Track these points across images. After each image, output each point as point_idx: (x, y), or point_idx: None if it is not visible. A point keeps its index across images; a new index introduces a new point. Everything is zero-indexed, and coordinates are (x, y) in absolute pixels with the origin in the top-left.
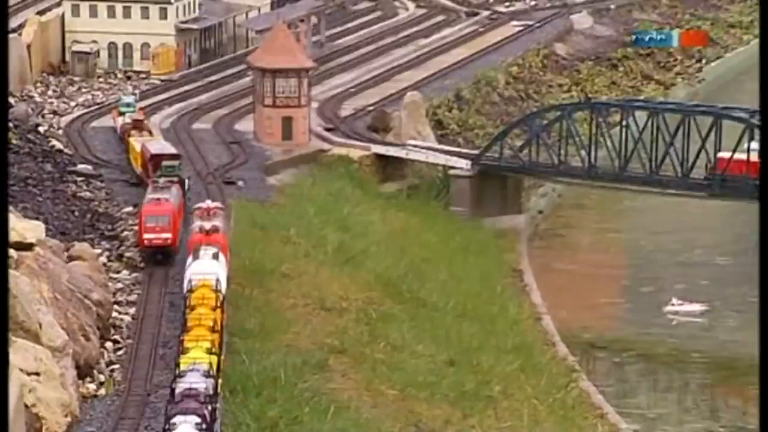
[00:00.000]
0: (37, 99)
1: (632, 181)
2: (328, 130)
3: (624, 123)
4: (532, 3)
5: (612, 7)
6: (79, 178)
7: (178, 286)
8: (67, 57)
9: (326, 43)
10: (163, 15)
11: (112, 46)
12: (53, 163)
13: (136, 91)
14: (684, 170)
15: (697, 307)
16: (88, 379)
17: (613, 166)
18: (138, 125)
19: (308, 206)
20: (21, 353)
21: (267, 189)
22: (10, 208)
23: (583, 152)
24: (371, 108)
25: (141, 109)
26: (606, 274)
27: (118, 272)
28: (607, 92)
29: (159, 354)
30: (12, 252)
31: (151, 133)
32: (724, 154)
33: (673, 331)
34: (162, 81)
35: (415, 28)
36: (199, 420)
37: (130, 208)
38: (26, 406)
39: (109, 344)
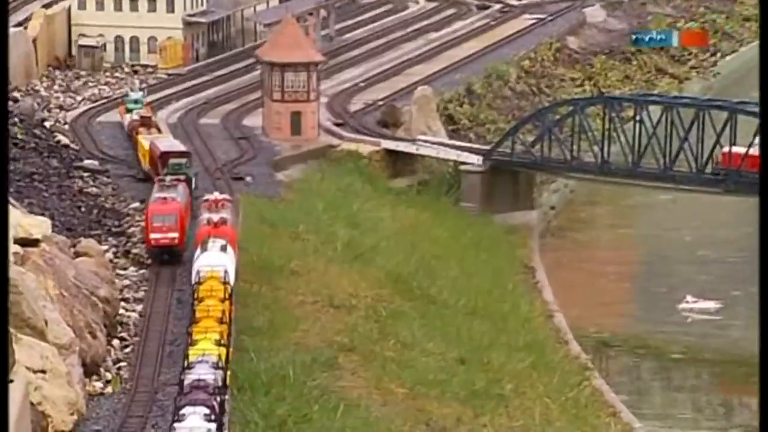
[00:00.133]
0: (43, 93)
1: (646, 176)
2: (337, 125)
3: (637, 118)
4: None
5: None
6: (86, 174)
7: (186, 282)
8: (74, 51)
9: (335, 37)
10: (171, 8)
11: (118, 40)
12: (59, 159)
13: (143, 86)
14: (698, 166)
15: (711, 305)
16: (94, 376)
17: (626, 161)
18: (146, 122)
19: (317, 202)
20: (27, 351)
21: (275, 185)
22: (16, 203)
23: (595, 147)
24: (381, 103)
25: (148, 103)
26: (619, 270)
27: (125, 269)
28: (621, 86)
29: (166, 351)
30: (18, 248)
31: (159, 130)
32: (737, 149)
33: (687, 329)
34: (169, 75)
35: (425, 22)
36: (208, 411)
37: (137, 204)
38: (32, 404)
39: (115, 342)
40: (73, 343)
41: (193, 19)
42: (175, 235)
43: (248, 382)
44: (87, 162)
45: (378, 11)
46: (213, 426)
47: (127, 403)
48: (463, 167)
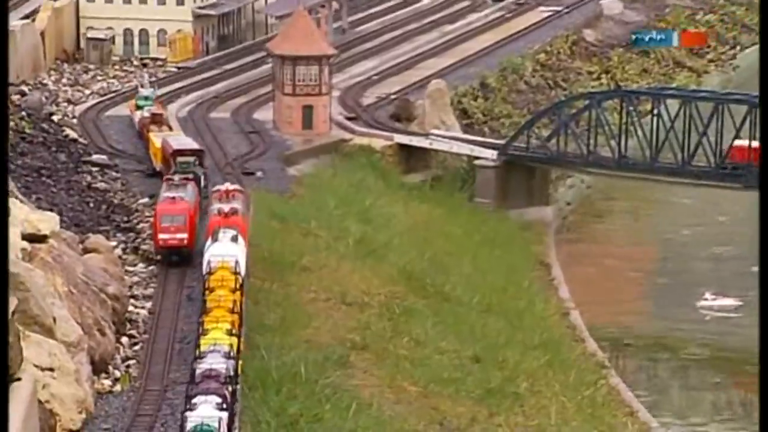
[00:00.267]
0: (51, 87)
1: (663, 171)
2: (349, 119)
3: (655, 112)
4: None
5: None
6: (94, 169)
7: (196, 279)
8: (82, 44)
9: (348, 30)
10: (180, 0)
11: (127, 33)
12: (67, 153)
13: (153, 79)
14: (717, 160)
15: (730, 302)
16: (103, 374)
17: (643, 156)
18: (157, 119)
19: (329, 197)
20: (35, 348)
21: (287, 180)
22: (24, 199)
23: (612, 142)
24: (394, 96)
25: (158, 98)
26: (636, 267)
27: (134, 265)
28: (638, 80)
29: (176, 349)
30: (26, 244)
31: (170, 127)
32: (740, 143)
33: (705, 327)
34: (179, 69)
35: (439, 14)
36: (219, 400)
37: (146, 200)
38: (40, 402)
39: (124, 339)
40: (81, 340)
41: (203, 11)
42: (184, 235)
43: (259, 380)
44: (95, 157)
45: (391, 3)
46: (224, 415)
47: (136, 401)
48: (477, 162)
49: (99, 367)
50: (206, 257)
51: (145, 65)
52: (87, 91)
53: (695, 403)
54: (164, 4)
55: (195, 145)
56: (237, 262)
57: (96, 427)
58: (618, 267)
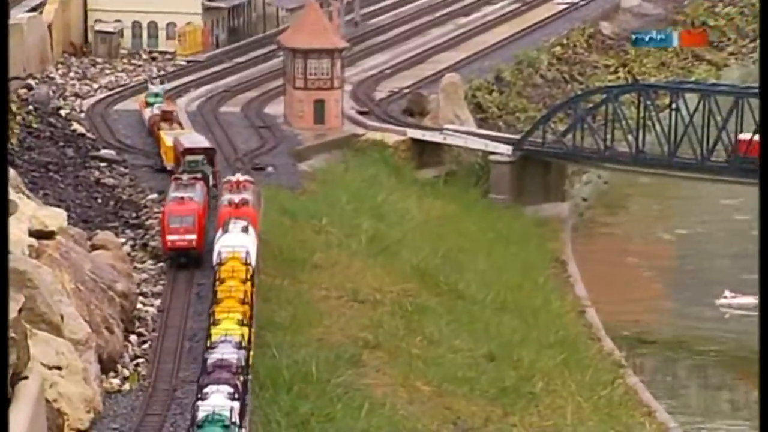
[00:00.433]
0: (59, 81)
1: (682, 167)
2: (361, 113)
3: (674, 106)
4: None
5: None
6: (103, 164)
7: (206, 276)
8: (90, 37)
9: (360, 22)
10: None
11: (136, 26)
12: (75, 148)
13: (161, 73)
14: (737, 156)
15: (750, 300)
16: (111, 373)
17: (662, 151)
18: (167, 117)
19: (341, 193)
20: (42, 346)
21: (298, 175)
22: (31, 194)
23: (630, 137)
24: (407, 90)
25: (167, 93)
26: (654, 264)
27: (143, 262)
28: (656, 73)
29: (185, 347)
30: (33, 241)
31: (181, 125)
32: (743, 136)
33: (725, 326)
34: (188, 62)
35: (453, 6)
36: (231, 390)
37: (155, 195)
38: (47, 401)
39: (133, 337)
40: (89, 338)
41: (213, 4)
42: (193, 237)
43: (270, 379)
44: (104, 152)
45: None
46: (236, 404)
47: (145, 401)
48: (492, 157)
49: (107, 365)
50: (217, 248)
51: (153, 59)
52: (95, 85)
53: (714, 403)
54: None
55: (206, 144)
56: (248, 253)
57: (104, 427)
58: (635, 264)
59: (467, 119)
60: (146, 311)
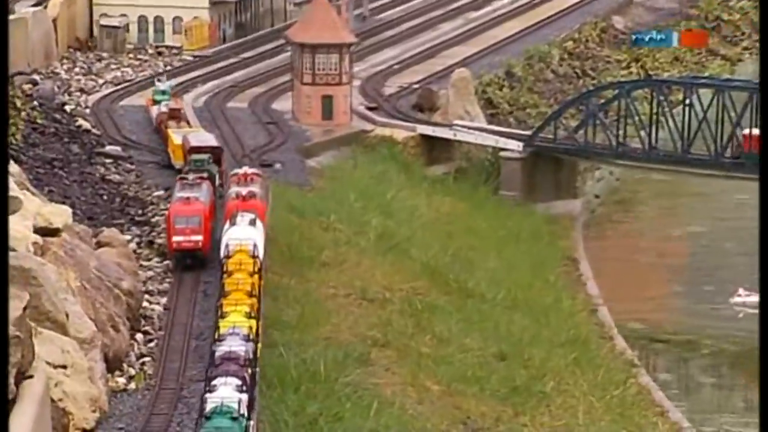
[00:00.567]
0: (64, 76)
1: (696, 164)
2: (370, 109)
3: (687, 101)
4: None
5: None
6: (108, 160)
7: (213, 275)
8: (95, 31)
9: (369, 17)
10: None
11: (142, 20)
12: (80, 144)
13: (168, 68)
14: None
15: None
16: (117, 372)
17: (675, 147)
18: (175, 114)
19: (349, 190)
20: (47, 345)
21: (306, 172)
22: (36, 191)
23: (642, 133)
24: (417, 86)
25: (173, 88)
26: (667, 262)
27: (149, 259)
28: (669, 68)
29: (192, 346)
30: (37, 238)
31: (189, 123)
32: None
33: (738, 324)
34: (195, 57)
35: (464, 1)
36: (239, 382)
37: (161, 192)
38: (52, 400)
39: (139, 336)
40: (95, 337)
41: None
42: (199, 238)
43: (278, 378)
44: (109, 148)
45: None
46: (244, 396)
47: (151, 400)
48: (502, 154)
49: (113, 364)
50: (224, 241)
51: (160, 54)
52: (100, 81)
53: (727, 402)
54: None
55: (213, 142)
56: (255, 246)
57: (110, 427)
58: (648, 262)
59: (477, 115)
60: (152, 309)
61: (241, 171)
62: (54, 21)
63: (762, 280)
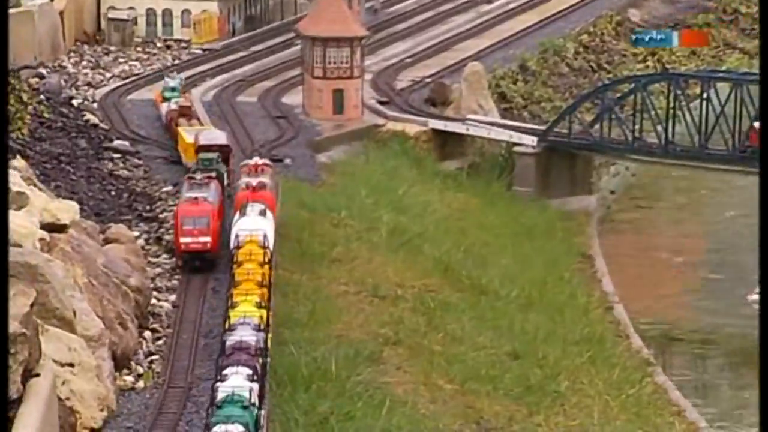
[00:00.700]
0: (71, 70)
1: (713, 159)
2: (382, 103)
3: (704, 95)
4: None
5: None
6: (116, 155)
7: (222, 271)
8: (103, 25)
9: (380, 10)
10: None
11: (150, 13)
12: (88, 139)
13: (177, 61)
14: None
15: None
16: (125, 370)
17: (692, 142)
18: (185, 112)
19: (361, 186)
20: (54, 343)
21: (316, 167)
22: (43, 187)
23: (659, 127)
24: (429, 80)
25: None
26: (684, 259)
27: (157, 256)
28: (687, 62)
29: (201, 344)
30: (44, 234)
31: (200, 120)
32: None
33: (756, 322)
34: (204, 51)
35: None
36: (250, 371)
37: (169, 188)
38: (60, 399)
39: (147, 333)
40: (102, 334)
41: None
42: (208, 239)
43: (288, 376)
44: (117, 143)
45: None
46: (255, 386)
47: (159, 399)
48: (516, 149)
49: (121, 362)
50: (234, 231)
51: (168, 47)
52: (108, 74)
53: (745, 402)
54: None
55: (223, 140)
56: (265, 236)
57: (118, 426)
58: (664, 259)
59: (491, 109)
60: (161, 307)
61: (251, 162)
62: (61, 14)
63: (762, 280)
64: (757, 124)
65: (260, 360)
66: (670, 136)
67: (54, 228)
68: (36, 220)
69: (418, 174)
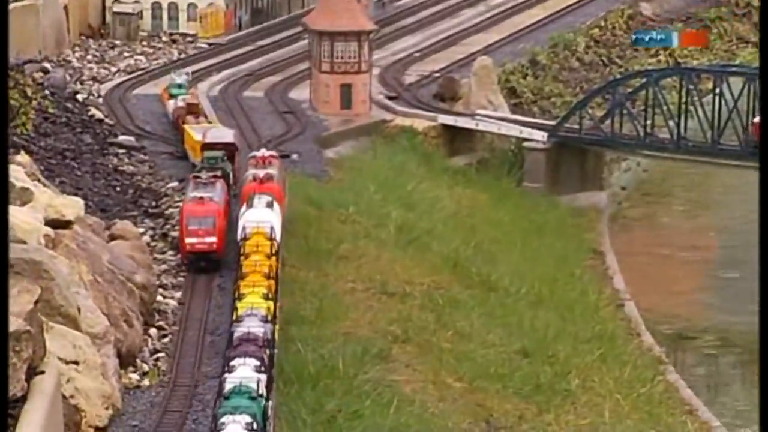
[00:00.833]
0: (75, 64)
1: (726, 154)
2: (390, 98)
3: (717, 90)
4: None
5: None
6: (121, 151)
7: (228, 268)
8: (108, 18)
9: (388, 3)
10: None
11: (156, 7)
12: (93, 134)
13: (183, 56)
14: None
15: None
16: (130, 368)
17: (704, 138)
18: (193, 109)
19: (368, 182)
20: (59, 340)
21: (324, 163)
22: (47, 182)
23: (671, 123)
24: (438, 74)
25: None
26: (696, 256)
27: (163, 252)
28: (699, 56)
29: (207, 341)
30: (49, 230)
31: (207, 117)
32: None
33: None
34: (210, 45)
35: None
36: (258, 363)
37: (175, 184)
38: (64, 397)
39: (153, 331)
40: (107, 332)
41: None
42: (213, 239)
43: (295, 374)
44: (122, 138)
45: None
46: (263, 377)
47: (165, 397)
48: (526, 144)
49: (126, 360)
50: (241, 223)
51: (174, 41)
52: (113, 69)
53: (758, 401)
54: None
55: (230, 138)
56: (272, 228)
57: (123, 424)
58: (676, 256)
59: (500, 104)
60: (166, 304)
61: (258, 154)
62: (65, 7)
63: (762, 279)
64: (756, 119)
65: (267, 351)
66: (682, 131)
67: (58, 224)
68: (40, 216)
69: (426, 170)
